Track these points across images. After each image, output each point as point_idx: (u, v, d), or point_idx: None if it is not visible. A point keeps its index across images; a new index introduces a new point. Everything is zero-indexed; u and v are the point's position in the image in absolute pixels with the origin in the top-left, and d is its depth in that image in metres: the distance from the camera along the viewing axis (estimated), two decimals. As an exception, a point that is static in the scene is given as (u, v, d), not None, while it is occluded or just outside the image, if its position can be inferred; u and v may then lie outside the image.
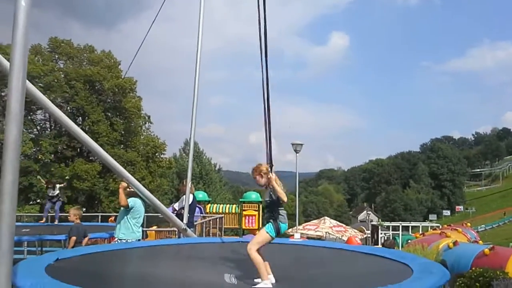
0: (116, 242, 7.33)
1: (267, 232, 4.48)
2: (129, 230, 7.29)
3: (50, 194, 14.41)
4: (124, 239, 7.24)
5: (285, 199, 4.52)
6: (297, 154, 19.76)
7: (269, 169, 4.66)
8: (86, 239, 8.49)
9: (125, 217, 7.33)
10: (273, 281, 4.40)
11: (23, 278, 3.08)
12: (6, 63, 6.24)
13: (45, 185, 15.12)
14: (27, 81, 2.53)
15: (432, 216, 79.74)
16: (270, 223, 4.52)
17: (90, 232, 9.27)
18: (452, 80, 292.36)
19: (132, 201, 7.34)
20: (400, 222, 34.99)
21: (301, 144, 19.59)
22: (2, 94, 30.14)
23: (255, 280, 4.38)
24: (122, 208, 7.48)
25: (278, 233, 4.52)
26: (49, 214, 14.78)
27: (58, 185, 15.06)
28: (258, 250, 4.43)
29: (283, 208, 4.62)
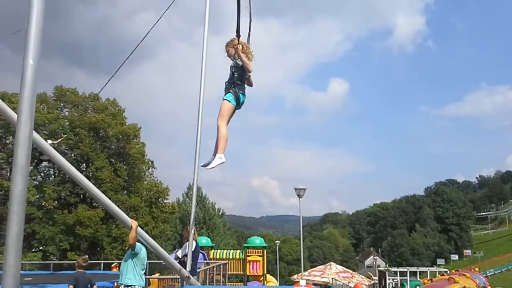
0: None
1: (228, 101, 4.67)
2: (135, 277, 7.28)
3: None
4: (130, 285, 7.19)
5: (250, 68, 4.72)
6: (300, 199, 19.73)
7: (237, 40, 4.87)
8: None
9: (132, 262, 7.33)
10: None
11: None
12: (13, 115, 6.39)
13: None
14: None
15: (440, 261, 78.16)
16: (229, 92, 4.68)
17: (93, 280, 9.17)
18: (452, 124, 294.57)
19: (139, 246, 7.37)
20: (408, 268, 34.31)
21: (304, 189, 19.62)
22: (7, 142, 30.56)
23: (207, 162, 4.65)
24: (128, 253, 7.48)
25: (238, 102, 4.66)
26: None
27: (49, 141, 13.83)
28: (226, 124, 4.69)
29: (244, 83, 4.85)
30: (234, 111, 4.91)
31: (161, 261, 8.75)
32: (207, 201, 51.38)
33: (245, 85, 5.00)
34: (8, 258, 2.16)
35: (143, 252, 7.43)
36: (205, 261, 14.26)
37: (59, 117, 32.08)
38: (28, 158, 2.19)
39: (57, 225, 30.24)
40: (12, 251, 2.15)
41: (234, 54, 4.98)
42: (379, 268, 42.42)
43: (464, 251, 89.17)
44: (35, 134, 3.98)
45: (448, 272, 23.17)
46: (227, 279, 17.28)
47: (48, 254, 30.16)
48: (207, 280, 12.86)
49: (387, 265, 62.30)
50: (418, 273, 32.90)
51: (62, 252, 30.21)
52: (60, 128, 31.25)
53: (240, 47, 4.86)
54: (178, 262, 8.47)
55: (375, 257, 65.83)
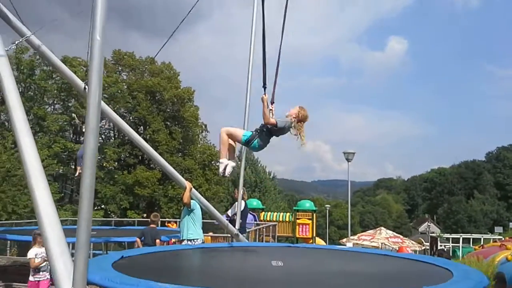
0: (186, 243, 7.89)
1: (243, 135, 4.96)
2: (196, 231, 7.91)
3: None
4: (193, 239, 7.82)
5: (265, 120, 4.88)
6: (349, 163, 19.74)
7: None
8: (158, 241, 8.90)
9: (190, 218, 7.95)
10: (233, 164, 4.99)
11: (93, 273, 3.55)
12: (75, 79, 6.92)
13: (80, 123, 13.71)
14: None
15: (498, 229, 75.63)
16: (251, 132, 4.96)
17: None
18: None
19: (193, 203, 7.94)
20: (461, 234, 33.66)
21: (353, 153, 19.56)
22: (69, 105, 32.15)
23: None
24: (184, 211, 8.07)
25: (247, 143, 4.94)
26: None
27: None
28: (229, 137, 4.96)
29: (267, 134, 4.98)
30: (236, 142, 5.11)
31: (214, 220, 9.31)
32: (259, 164, 52.08)
33: (270, 138, 5.06)
34: (82, 206, 2.58)
35: (198, 208, 8.01)
36: (255, 222, 14.82)
37: (117, 81, 33.28)
38: (98, 121, 2.57)
39: (117, 185, 31.96)
40: (85, 202, 2.57)
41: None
42: (431, 234, 41.87)
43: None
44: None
45: (503, 239, 22.65)
46: (276, 240, 17.85)
47: (109, 212, 32.03)
48: (257, 240, 13.41)
49: (440, 232, 61.25)
50: (471, 240, 32.24)
51: (122, 211, 32.03)
52: (119, 91, 32.51)
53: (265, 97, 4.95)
54: (228, 221, 8.98)
55: (429, 223, 64.76)
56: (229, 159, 5.05)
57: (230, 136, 5.01)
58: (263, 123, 4.98)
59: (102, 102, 5.70)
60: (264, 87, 5.10)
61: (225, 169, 5.03)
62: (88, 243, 2.69)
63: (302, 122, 5.06)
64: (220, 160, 5.00)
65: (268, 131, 4.96)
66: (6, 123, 27.77)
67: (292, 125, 5.03)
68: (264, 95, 4.96)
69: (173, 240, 10.65)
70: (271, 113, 4.96)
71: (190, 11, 7.59)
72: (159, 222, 9.83)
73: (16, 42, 5.28)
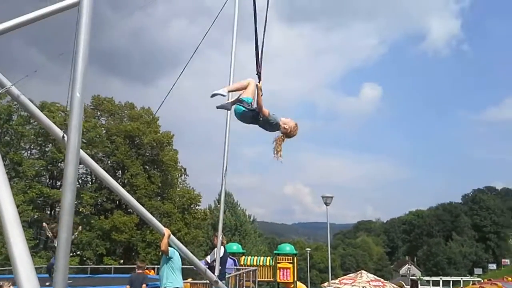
0: None
1: (245, 98, 5.03)
2: (175, 279, 7.81)
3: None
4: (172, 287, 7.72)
5: (259, 108, 4.98)
6: (328, 207, 19.87)
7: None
8: (144, 286, 8.95)
9: (169, 266, 7.86)
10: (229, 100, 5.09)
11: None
12: (52, 126, 6.93)
13: (48, 233, 12.16)
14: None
15: (478, 270, 76.01)
16: (246, 106, 5.00)
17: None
18: (490, 129, 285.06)
19: (172, 250, 7.87)
20: (441, 277, 33.73)
21: (331, 197, 19.75)
22: (46, 149, 31.83)
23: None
24: (163, 258, 7.99)
25: (239, 102, 4.98)
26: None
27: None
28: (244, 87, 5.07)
29: (253, 116, 5.08)
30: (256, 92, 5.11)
31: (193, 266, 9.21)
32: (239, 208, 51.84)
33: (252, 121, 5.18)
34: (59, 260, 2.61)
35: (176, 255, 7.93)
36: (235, 267, 14.65)
37: (96, 126, 33.25)
38: (75, 176, 2.63)
39: (93, 231, 31.30)
40: (62, 254, 2.59)
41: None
42: (411, 277, 41.78)
43: (503, 260, 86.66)
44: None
45: (482, 281, 22.78)
46: (257, 285, 17.62)
47: (85, 258, 31.22)
48: (237, 286, 13.23)
49: (421, 274, 61.09)
50: (451, 282, 32.30)
51: (99, 257, 31.24)
52: (98, 136, 32.42)
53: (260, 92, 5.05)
54: (208, 267, 8.88)
55: (409, 266, 64.62)
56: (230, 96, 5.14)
57: (244, 87, 5.07)
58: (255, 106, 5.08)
59: (81, 150, 5.74)
60: (258, 74, 5.20)
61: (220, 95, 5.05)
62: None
63: (286, 137, 5.18)
64: (224, 89, 5.03)
65: (255, 116, 5.05)
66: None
67: (279, 130, 5.15)
68: (258, 83, 5.07)
69: None
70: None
71: (185, 67, 7.79)
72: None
73: (-4, 93, 5.32)
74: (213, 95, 5.00)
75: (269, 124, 5.14)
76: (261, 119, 5.09)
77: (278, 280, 23.04)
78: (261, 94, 5.04)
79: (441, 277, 33.82)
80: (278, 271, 23.15)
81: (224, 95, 5.10)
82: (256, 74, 5.26)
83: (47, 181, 32.81)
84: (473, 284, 19.57)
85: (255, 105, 5.07)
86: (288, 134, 5.19)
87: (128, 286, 9.01)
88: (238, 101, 5.09)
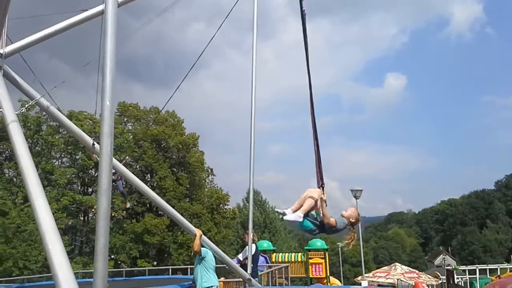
0: None
1: (306, 218, 4.90)
2: (210, 278, 7.88)
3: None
4: (207, 287, 7.80)
5: (325, 220, 4.87)
6: (358, 200, 19.70)
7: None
8: None
9: (203, 266, 7.93)
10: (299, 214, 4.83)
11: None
12: (81, 133, 7.10)
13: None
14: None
15: (515, 257, 74.10)
16: (314, 222, 4.90)
17: (162, 285, 9.84)
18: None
19: (204, 250, 7.95)
20: (477, 266, 33.00)
21: (361, 190, 19.55)
22: (76, 157, 32.54)
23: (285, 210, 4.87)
24: (196, 259, 8.08)
25: (305, 218, 4.87)
26: None
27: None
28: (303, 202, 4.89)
29: (319, 227, 4.97)
30: (313, 207, 4.96)
31: (225, 265, 9.29)
32: (267, 205, 51.84)
33: (320, 232, 5.08)
34: (97, 264, 2.70)
35: (209, 254, 8.00)
36: (267, 264, 14.69)
37: (123, 132, 33.78)
38: (109, 182, 2.71)
39: (126, 234, 31.83)
40: (100, 258, 2.68)
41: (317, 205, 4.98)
42: (447, 267, 41.02)
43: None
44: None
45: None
46: (289, 281, 17.59)
47: (119, 262, 31.77)
48: (270, 283, 13.26)
49: (457, 264, 59.95)
50: (488, 270, 31.56)
51: (132, 260, 31.75)
52: (125, 142, 32.93)
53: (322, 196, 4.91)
54: (240, 265, 8.95)
55: (443, 256, 63.53)
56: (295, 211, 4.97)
57: (304, 203, 4.92)
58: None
59: (114, 159, 5.88)
60: (322, 186, 5.05)
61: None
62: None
63: (354, 226, 5.07)
64: (299, 213, 4.87)
65: (322, 227, 4.94)
66: (15, 179, 28.08)
67: (347, 227, 5.01)
68: (323, 195, 4.93)
69: None
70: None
71: (192, 67, 7.90)
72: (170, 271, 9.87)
73: (27, 106, 5.51)
74: (282, 218, 5.03)
75: (337, 230, 5.05)
76: (332, 228, 5.00)
77: (311, 276, 22.92)
78: (325, 205, 4.92)
79: (477, 265, 33.04)
80: (310, 266, 23.04)
81: (290, 218, 4.98)
82: (319, 186, 5.08)
83: (79, 188, 33.51)
84: (511, 271, 19.10)
85: (320, 218, 4.99)
86: (354, 223, 5.09)
87: None
88: (306, 215, 4.97)
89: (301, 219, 4.83)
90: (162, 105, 39.28)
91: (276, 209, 5.03)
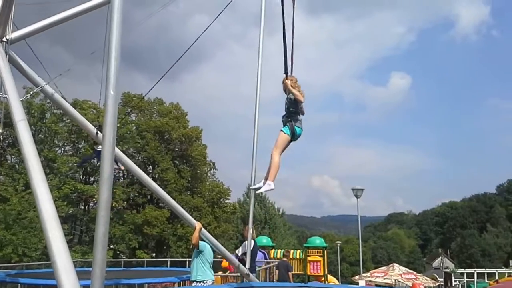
0: (194, 284, 7.90)
1: (284, 132, 5.04)
2: (205, 272, 7.89)
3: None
4: (202, 280, 7.81)
5: (301, 99, 5.09)
6: (358, 199, 19.68)
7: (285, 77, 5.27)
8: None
9: (199, 259, 7.95)
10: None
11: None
12: (85, 122, 7.10)
13: None
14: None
15: (514, 262, 74.01)
16: (286, 125, 5.05)
17: (160, 276, 9.88)
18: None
19: (202, 244, 7.95)
20: (475, 269, 33.00)
21: (362, 189, 19.52)
22: (79, 146, 32.60)
23: (257, 185, 4.98)
24: (194, 252, 8.09)
25: (293, 135, 5.01)
26: None
27: None
28: (280, 154, 5.06)
29: (299, 114, 5.21)
30: (289, 143, 5.25)
31: (224, 259, 9.30)
32: (267, 201, 51.85)
33: (301, 117, 5.32)
34: (96, 254, 2.70)
35: (207, 248, 8.00)
36: (265, 260, 14.71)
37: (127, 122, 33.77)
38: (111, 171, 2.71)
39: (126, 225, 31.89)
40: (100, 247, 2.67)
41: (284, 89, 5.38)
42: (445, 270, 41.03)
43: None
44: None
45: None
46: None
47: (118, 252, 31.85)
48: (268, 278, 13.28)
49: (455, 266, 59.96)
50: (486, 274, 31.55)
51: (131, 250, 31.84)
52: (128, 132, 32.94)
53: (289, 82, 5.24)
54: (238, 260, 8.96)
55: (442, 259, 63.51)
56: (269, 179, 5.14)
57: (280, 152, 5.15)
58: (287, 109, 5.26)
59: (116, 149, 5.87)
60: (286, 73, 5.36)
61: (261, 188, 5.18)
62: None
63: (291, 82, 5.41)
64: (269, 182, 5.07)
65: (295, 110, 5.22)
66: (17, 165, 28.13)
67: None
68: (287, 80, 5.30)
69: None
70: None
71: (183, 54, 7.87)
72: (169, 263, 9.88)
73: (31, 92, 5.51)
74: (259, 190, 5.29)
75: (295, 102, 5.33)
76: (301, 102, 5.31)
77: (309, 273, 22.95)
78: (289, 83, 5.29)
79: (475, 269, 33.03)
80: (308, 264, 23.06)
81: (264, 190, 5.25)
82: (284, 73, 5.42)
83: (81, 177, 33.55)
84: (509, 276, 19.09)
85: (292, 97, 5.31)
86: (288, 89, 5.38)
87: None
88: (293, 139, 5.26)
89: (273, 187, 5.08)
90: (166, 97, 39.28)
91: (251, 187, 5.27)
